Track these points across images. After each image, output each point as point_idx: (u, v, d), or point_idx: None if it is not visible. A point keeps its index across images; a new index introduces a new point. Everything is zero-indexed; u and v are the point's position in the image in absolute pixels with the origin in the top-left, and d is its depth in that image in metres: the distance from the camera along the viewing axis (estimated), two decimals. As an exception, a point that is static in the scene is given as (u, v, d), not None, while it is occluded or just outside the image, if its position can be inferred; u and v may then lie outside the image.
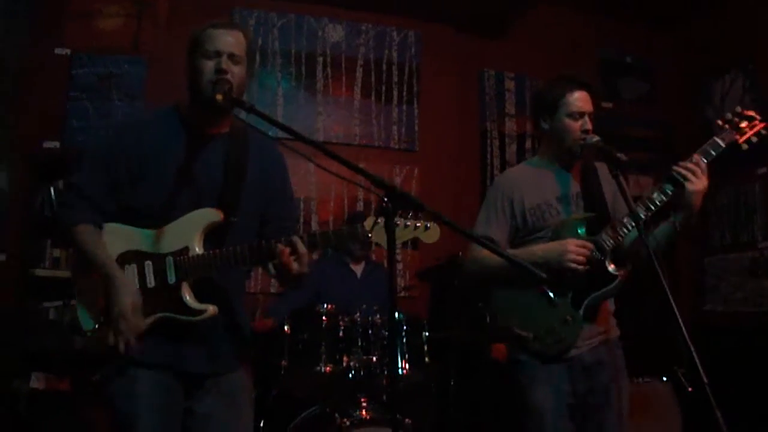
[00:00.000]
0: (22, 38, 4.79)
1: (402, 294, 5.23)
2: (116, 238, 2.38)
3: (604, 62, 6.47)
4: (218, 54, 2.34)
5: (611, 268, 2.77)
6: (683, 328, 2.20)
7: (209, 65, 2.33)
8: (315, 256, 5.26)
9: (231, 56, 2.35)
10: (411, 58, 5.88)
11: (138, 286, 2.33)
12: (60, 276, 4.66)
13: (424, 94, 5.89)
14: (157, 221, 2.35)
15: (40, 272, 4.69)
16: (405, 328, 3.70)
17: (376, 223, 2.22)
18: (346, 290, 4.43)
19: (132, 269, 2.35)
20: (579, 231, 2.82)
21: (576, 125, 2.86)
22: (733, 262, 5.80)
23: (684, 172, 2.69)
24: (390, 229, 1.97)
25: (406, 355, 3.65)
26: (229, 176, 2.44)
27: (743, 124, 2.80)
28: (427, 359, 3.74)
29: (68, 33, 5.04)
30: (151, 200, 2.36)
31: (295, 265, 2.29)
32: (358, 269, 4.63)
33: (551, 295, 2.81)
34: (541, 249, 2.83)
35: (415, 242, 5.46)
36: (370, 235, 2.29)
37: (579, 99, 2.87)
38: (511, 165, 6.00)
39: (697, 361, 2.19)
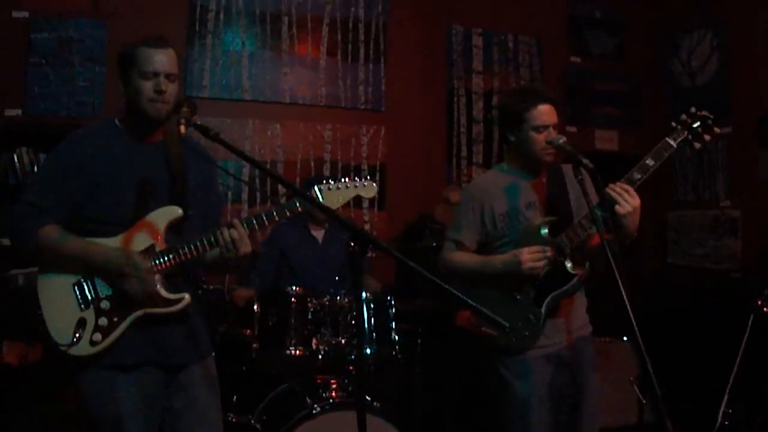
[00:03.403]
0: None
1: (369, 254, 5.25)
2: None
3: (574, 16, 6.44)
4: (156, 75, 2.46)
5: (569, 267, 2.90)
6: (639, 340, 2.22)
7: (147, 86, 2.45)
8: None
9: (168, 76, 2.48)
10: (378, 15, 5.79)
11: (111, 293, 2.45)
12: (27, 244, 4.63)
13: (391, 53, 5.83)
14: (115, 227, 2.48)
15: (6, 241, 4.64)
16: (372, 307, 3.75)
17: (329, 188, 2.47)
18: (307, 255, 4.46)
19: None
20: (542, 233, 2.92)
21: (541, 137, 2.95)
22: (694, 219, 5.91)
23: (613, 194, 2.72)
24: (358, 275, 2.17)
25: (374, 335, 3.71)
26: (175, 178, 2.57)
27: (696, 124, 2.81)
28: (395, 336, 3.80)
29: (25, -5, 4.90)
30: (108, 208, 2.47)
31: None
32: (319, 235, 4.62)
33: (517, 296, 2.96)
34: (499, 260, 2.99)
35: (382, 202, 5.55)
36: (321, 200, 2.52)
37: (543, 113, 2.95)
38: (477, 122, 6.05)
39: (651, 371, 2.23)
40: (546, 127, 2.94)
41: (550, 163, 3.00)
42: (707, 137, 2.81)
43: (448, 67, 6.03)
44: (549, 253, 2.88)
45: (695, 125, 2.80)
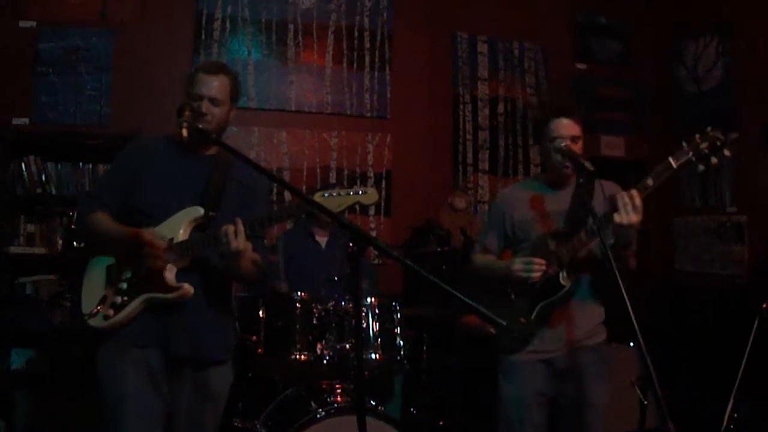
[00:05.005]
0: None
1: (375, 261, 5.27)
2: None
3: (579, 23, 6.46)
4: (200, 97, 2.73)
5: (563, 278, 2.93)
6: (641, 340, 2.24)
7: (195, 105, 2.72)
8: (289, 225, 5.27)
9: (212, 100, 2.74)
10: (383, 23, 5.83)
11: (131, 276, 2.69)
12: (35, 252, 4.69)
13: (397, 60, 5.86)
14: (153, 220, 2.73)
15: (14, 249, 4.69)
16: (377, 312, 3.76)
17: (330, 195, 2.48)
18: (310, 260, 4.52)
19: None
20: (548, 243, 2.99)
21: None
22: (701, 225, 5.90)
23: (618, 202, 2.69)
24: (356, 279, 2.16)
25: (379, 340, 3.72)
26: (210, 186, 2.80)
27: (704, 145, 2.67)
28: (400, 342, 3.81)
29: (32, 5, 4.93)
30: (148, 203, 2.75)
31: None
32: (323, 240, 4.67)
33: (513, 299, 3.05)
34: (503, 264, 3.11)
35: (388, 208, 5.57)
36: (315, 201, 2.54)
37: (559, 126, 3.01)
38: (483, 129, 6.07)
39: (653, 373, 2.24)
40: (562, 139, 2.97)
41: (585, 176, 2.95)
42: (714, 160, 2.69)
43: (453, 73, 6.05)
44: (542, 265, 2.93)
45: (703, 145, 2.67)
